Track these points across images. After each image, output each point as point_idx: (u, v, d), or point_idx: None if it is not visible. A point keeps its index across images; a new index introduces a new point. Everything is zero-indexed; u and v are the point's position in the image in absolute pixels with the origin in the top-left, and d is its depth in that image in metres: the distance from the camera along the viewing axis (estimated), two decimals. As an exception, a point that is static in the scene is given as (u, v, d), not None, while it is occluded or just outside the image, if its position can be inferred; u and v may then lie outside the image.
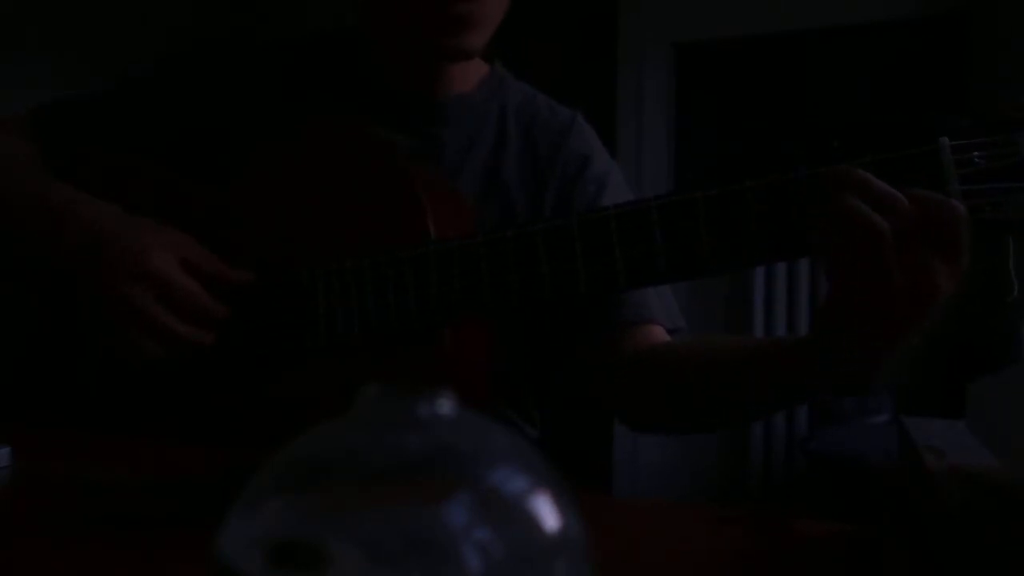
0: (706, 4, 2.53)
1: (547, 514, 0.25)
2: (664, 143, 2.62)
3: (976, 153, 0.55)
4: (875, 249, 0.54)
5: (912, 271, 0.54)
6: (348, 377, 0.72)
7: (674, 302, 0.88)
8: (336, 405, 0.27)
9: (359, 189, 0.76)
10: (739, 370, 0.71)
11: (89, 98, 0.94)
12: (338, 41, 0.93)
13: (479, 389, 0.75)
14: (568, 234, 0.65)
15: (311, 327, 0.73)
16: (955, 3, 2.27)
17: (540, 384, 0.97)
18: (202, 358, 0.76)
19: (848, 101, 2.40)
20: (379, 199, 0.75)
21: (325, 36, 0.95)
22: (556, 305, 0.73)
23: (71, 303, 0.80)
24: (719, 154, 2.55)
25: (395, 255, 0.70)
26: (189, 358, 0.75)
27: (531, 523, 0.25)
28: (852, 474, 1.93)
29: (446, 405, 0.26)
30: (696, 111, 2.61)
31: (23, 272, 0.88)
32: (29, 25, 2.45)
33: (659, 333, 0.84)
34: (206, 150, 0.86)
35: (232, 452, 0.54)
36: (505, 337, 0.78)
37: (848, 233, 0.55)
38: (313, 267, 0.73)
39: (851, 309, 0.58)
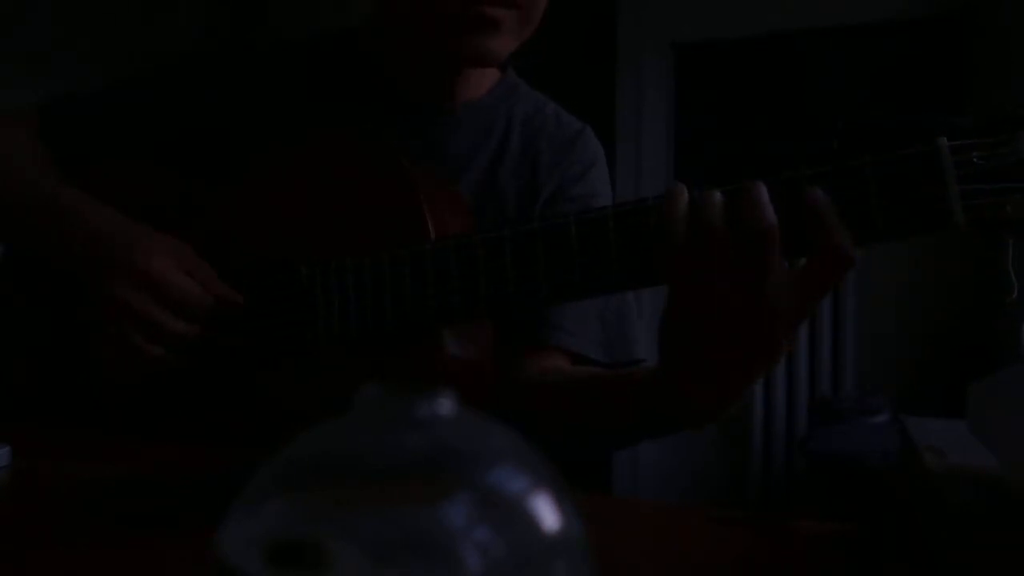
0: (706, 4, 2.53)
1: (547, 514, 0.25)
2: (664, 143, 2.62)
3: (975, 153, 0.55)
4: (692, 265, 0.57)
5: (735, 293, 0.57)
6: (348, 376, 0.72)
7: (635, 336, 0.88)
8: (335, 405, 0.27)
9: (360, 190, 0.76)
10: (585, 400, 0.76)
11: (94, 95, 0.94)
12: (344, 42, 0.93)
13: (480, 389, 0.75)
14: (565, 232, 0.65)
15: (310, 324, 0.73)
16: (955, 3, 2.27)
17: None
18: (201, 356, 0.76)
19: (848, 101, 2.40)
20: (380, 200, 0.75)
21: (331, 37, 0.94)
22: (553, 303, 0.74)
23: (74, 303, 0.80)
24: (718, 154, 2.55)
25: (394, 253, 0.70)
26: (188, 359, 0.75)
27: (531, 523, 0.25)
28: (852, 474, 1.93)
29: (446, 405, 0.26)
30: (695, 111, 2.61)
31: (27, 271, 0.88)
32: (29, 25, 2.45)
33: (560, 360, 0.85)
34: (211, 150, 0.86)
35: (232, 452, 0.54)
36: (505, 335, 0.78)
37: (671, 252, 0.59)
38: (312, 264, 0.74)
39: (686, 332, 0.61)
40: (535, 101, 0.95)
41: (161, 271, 0.73)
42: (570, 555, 0.25)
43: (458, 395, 0.27)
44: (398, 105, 0.89)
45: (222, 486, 0.30)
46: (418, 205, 0.72)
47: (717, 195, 0.58)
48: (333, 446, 0.27)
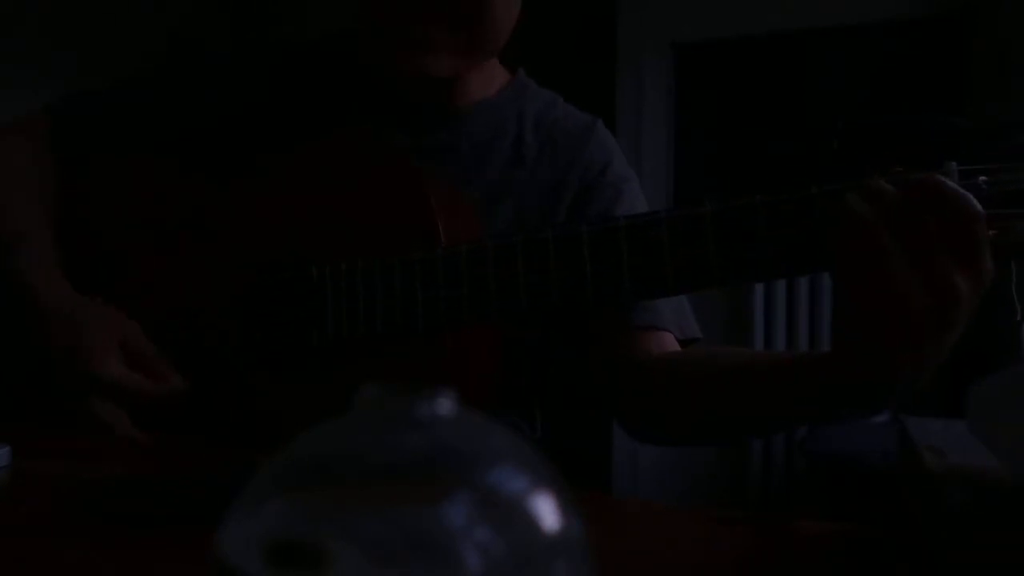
0: (706, 4, 2.53)
1: (547, 514, 0.25)
2: (664, 143, 2.62)
3: (982, 178, 0.55)
4: (878, 254, 0.53)
5: (929, 278, 0.53)
6: (350, 377, 0.72)
7: (690, 313, 0.86)
8: (337, 405, 0.27)
9: (371, 194, 0.76)
10: (761, 382, 0.69)
11: (101, 95, 0.94)
12: (347, 43, 0.93)
13: (481, 389, 0.75)
14: (577, 242, 0.65)
15: (318, 325, 0.73)
16: (955, 3, 2.27)
17: (541, 385, 0.97)
18: (204, 354, 0.76)
19: (848, 101, 2.40)
20: (391, 204, 0.75)
21: (334, 38, 0.94)
22: (563, 312, 0.72)
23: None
24: (718, 154, 2.55)
25: (405, 258, 0.70)
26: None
27: (531, 523, 0.25)
28: (852, 474, 1.93)
29: (446, 405, 0.26)
30: (695, 111, 2.61)
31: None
32: (29, 25, 2.44)
33: (669, 341, 0.82)
34: (214, 150, 0.86)
35: (232, 452, 0.54)
36: (508, 338, 0.78)
37: (851, 241, 0.55)
38: (323, 264, 0.73)
39: (865, 322, 0.57)
40: (545, 99, 0.95)
41: (108, 373, 0.73)
42: (570, 555, 0.25)
43: (459, 395, 0.27)
44: (402, 106, 0.88)
45: (222, 486, 0.30)
46: (430, 209, 0.72)
47: (891, 188, 0.55)
48: (333, 446, 0.27)
